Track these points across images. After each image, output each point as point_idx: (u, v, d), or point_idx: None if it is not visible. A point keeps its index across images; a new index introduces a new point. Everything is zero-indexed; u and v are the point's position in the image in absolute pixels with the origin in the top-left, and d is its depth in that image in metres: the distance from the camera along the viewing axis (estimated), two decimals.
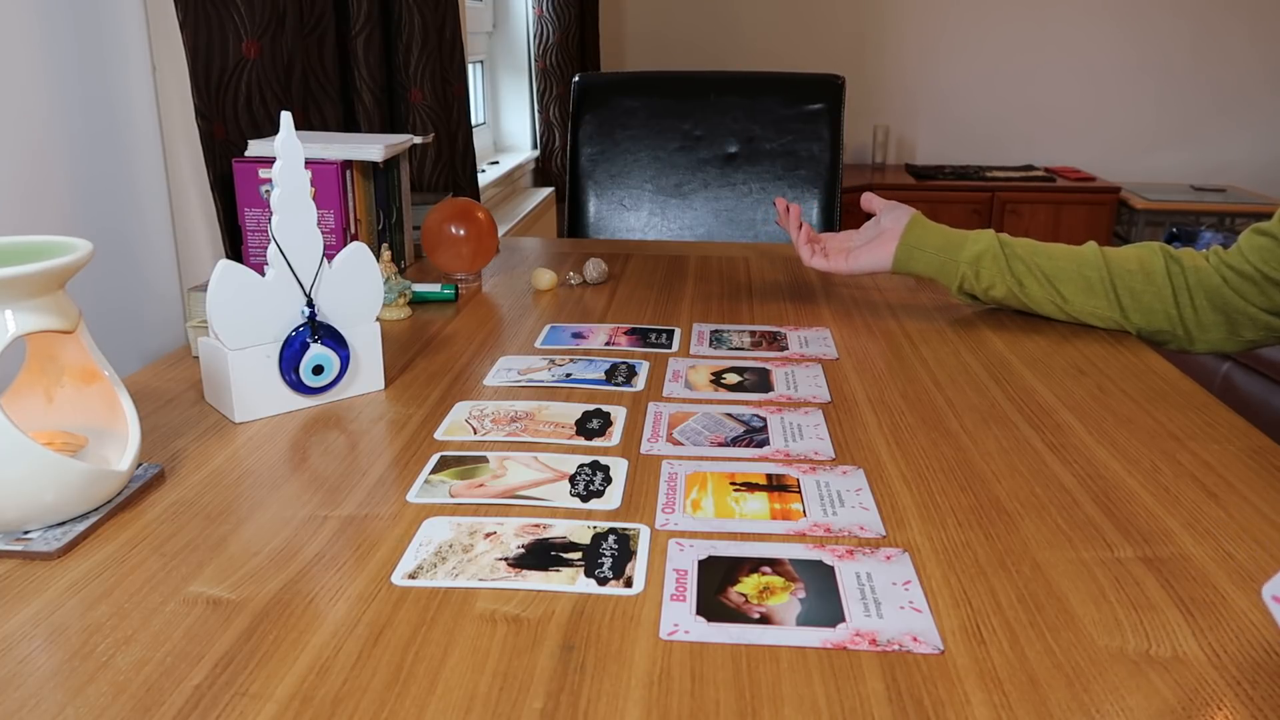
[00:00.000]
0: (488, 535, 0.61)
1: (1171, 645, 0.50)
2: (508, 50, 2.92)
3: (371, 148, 1.18)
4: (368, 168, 1.22)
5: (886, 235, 1.09)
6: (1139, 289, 1.00)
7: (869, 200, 1.12)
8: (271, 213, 0.78)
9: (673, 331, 1.05)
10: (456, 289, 1.17)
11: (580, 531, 0.62)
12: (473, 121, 1.91)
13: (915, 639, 0.51)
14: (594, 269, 1.25)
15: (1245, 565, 0.57)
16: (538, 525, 0.63)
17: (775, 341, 1.02)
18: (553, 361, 0.95)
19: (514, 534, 0.62)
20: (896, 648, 0.50)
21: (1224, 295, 0.96)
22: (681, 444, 0.76)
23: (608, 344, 1.01)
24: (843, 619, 0.52)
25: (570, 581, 0.56)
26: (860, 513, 0.64)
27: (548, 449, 0.75)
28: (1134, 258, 1.01)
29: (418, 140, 1.37)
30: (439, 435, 0.77)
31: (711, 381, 0.90)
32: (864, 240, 1.12)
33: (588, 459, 0.73)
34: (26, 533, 0.60)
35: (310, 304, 0.80)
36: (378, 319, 0.86)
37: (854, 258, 1.10)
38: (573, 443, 0.76)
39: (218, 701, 0.46)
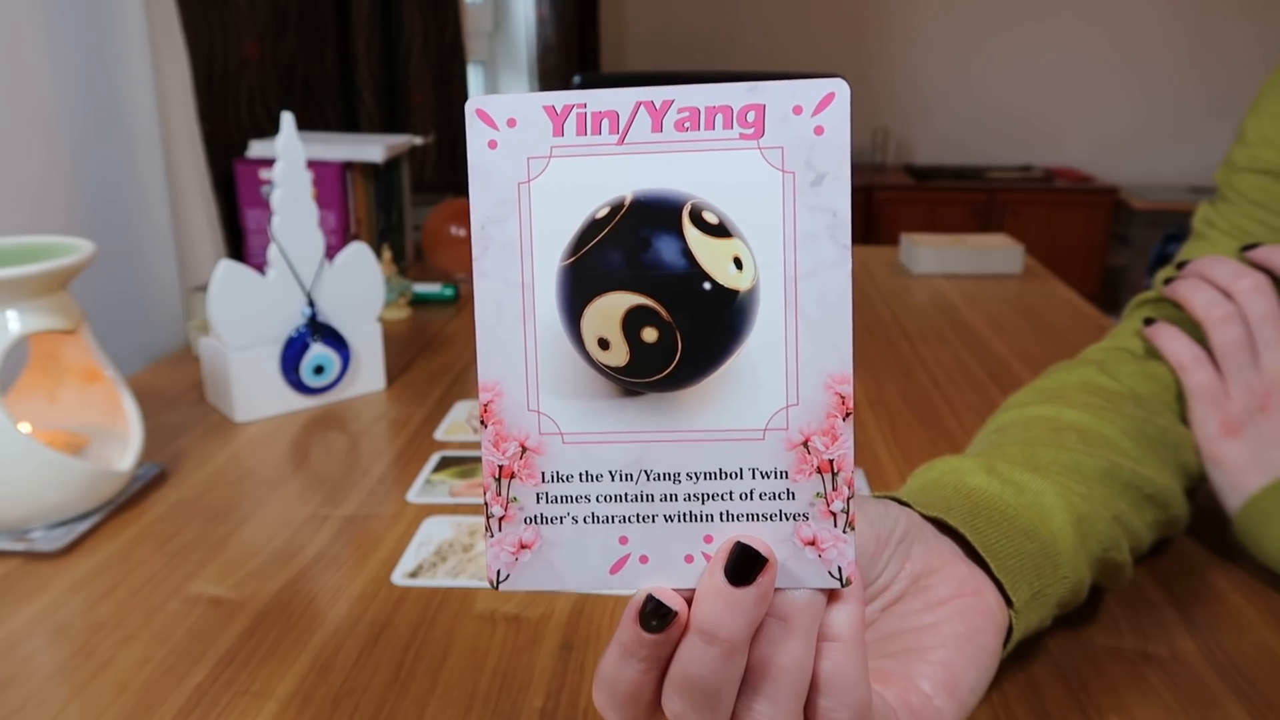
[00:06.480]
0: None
1: (1169, 643, 0.50)
2: (508, 51, 2.92)
3: (372, 148, 1.18)
4: (368, 168, 1.22)
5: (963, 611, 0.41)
6: (1163, 425, 0.57)
7: None
8: (272, 213, 0.78)
9: None
10: (457, 289, 1.17)
11: None
12: None
13: None
14: None
15: (1242, 563, 0.57)
16: None
17: None
18: None
19: None
20: None
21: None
22: None
23: None
24: None
25: None
26: None
27: None
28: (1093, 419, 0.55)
29: (418, 141, 1.37)
30: (439, 435, 0.78)
31: None
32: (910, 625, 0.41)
33: None
34: (29, 532, 0.61)
35: (311, 304, 0.81)
36: (378, 319, 0.86)
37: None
38: None
39: (219, 700, 0.46)
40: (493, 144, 0.28)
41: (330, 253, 0.81)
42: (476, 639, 0.51)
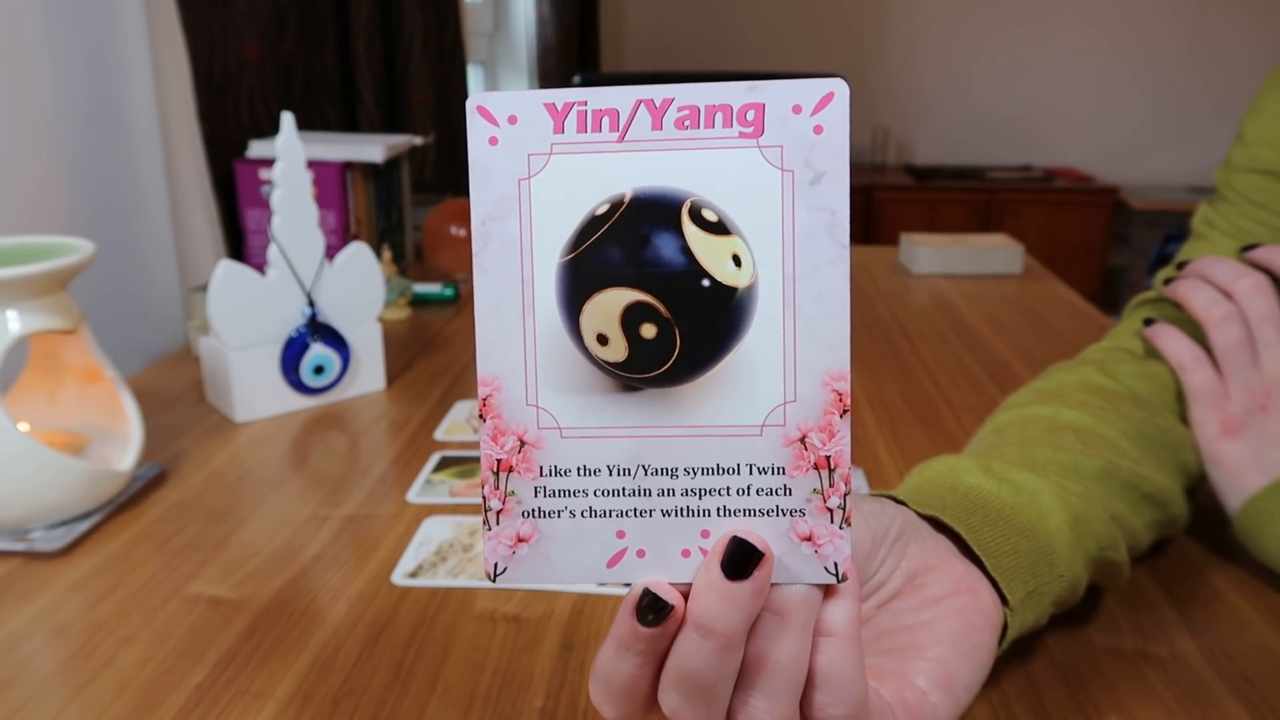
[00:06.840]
0: None
1: (1169, 643, 0.50)
2: (508, 51, 2.92)
3: (372, 148, 1.18)
4: (368, 168, 1.22)
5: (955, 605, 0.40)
6: (1163, 426, 0.56)
7: None
8: (272, 213, 0.78)
9: None
10: (457, 289, 1.17)
11: None
12: None
13: None
14: None
15: (1242, 563, 0.57)
16: None
17: None
18: None
19: None
20: None
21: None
22: None
23: None
24: None
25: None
26: None
27: None
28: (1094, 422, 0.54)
29: (418, 141, 1.37)
30: (439, 435, 0.78)
31: None
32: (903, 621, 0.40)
33: None
34: (29, 532, 0.61)
35: (311, 304, 0.81)
36: (378, 319, 0.86)
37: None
38: None
39: (219, 700, 0.46)
40: (493, 141, 0.28)
41: (330, 253, 0.82)
42: (476, 639, 0.51)
